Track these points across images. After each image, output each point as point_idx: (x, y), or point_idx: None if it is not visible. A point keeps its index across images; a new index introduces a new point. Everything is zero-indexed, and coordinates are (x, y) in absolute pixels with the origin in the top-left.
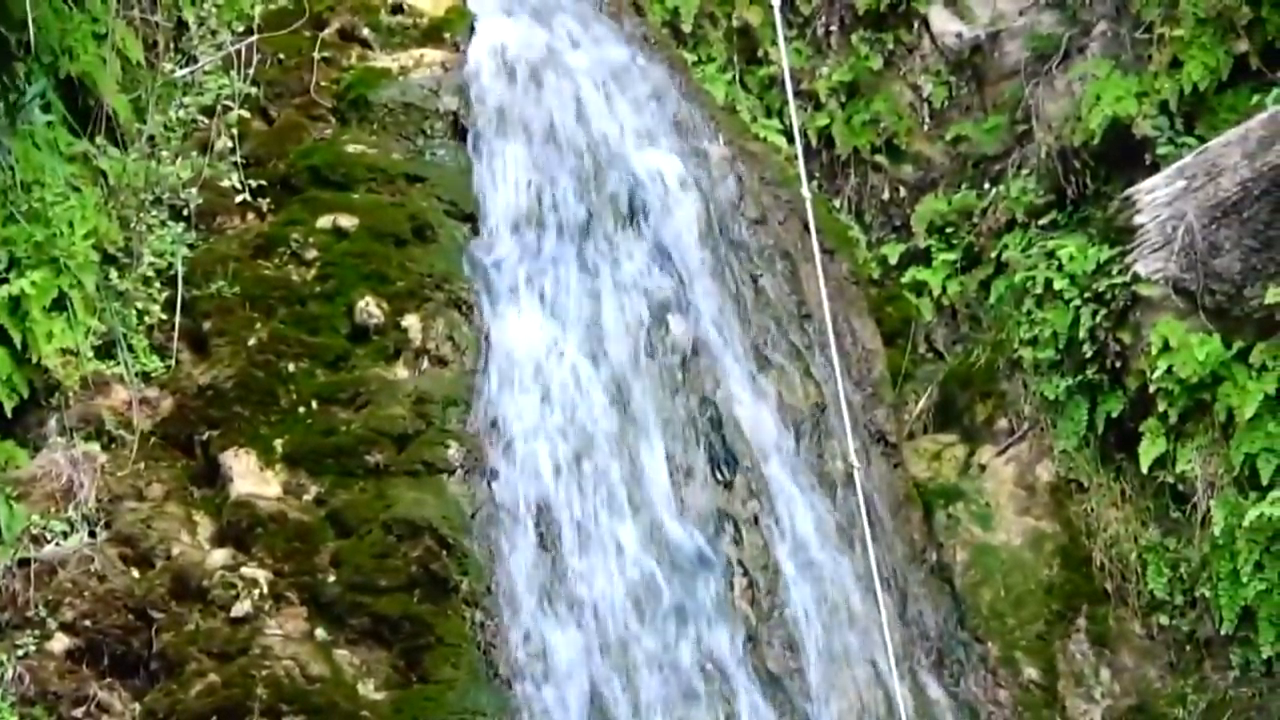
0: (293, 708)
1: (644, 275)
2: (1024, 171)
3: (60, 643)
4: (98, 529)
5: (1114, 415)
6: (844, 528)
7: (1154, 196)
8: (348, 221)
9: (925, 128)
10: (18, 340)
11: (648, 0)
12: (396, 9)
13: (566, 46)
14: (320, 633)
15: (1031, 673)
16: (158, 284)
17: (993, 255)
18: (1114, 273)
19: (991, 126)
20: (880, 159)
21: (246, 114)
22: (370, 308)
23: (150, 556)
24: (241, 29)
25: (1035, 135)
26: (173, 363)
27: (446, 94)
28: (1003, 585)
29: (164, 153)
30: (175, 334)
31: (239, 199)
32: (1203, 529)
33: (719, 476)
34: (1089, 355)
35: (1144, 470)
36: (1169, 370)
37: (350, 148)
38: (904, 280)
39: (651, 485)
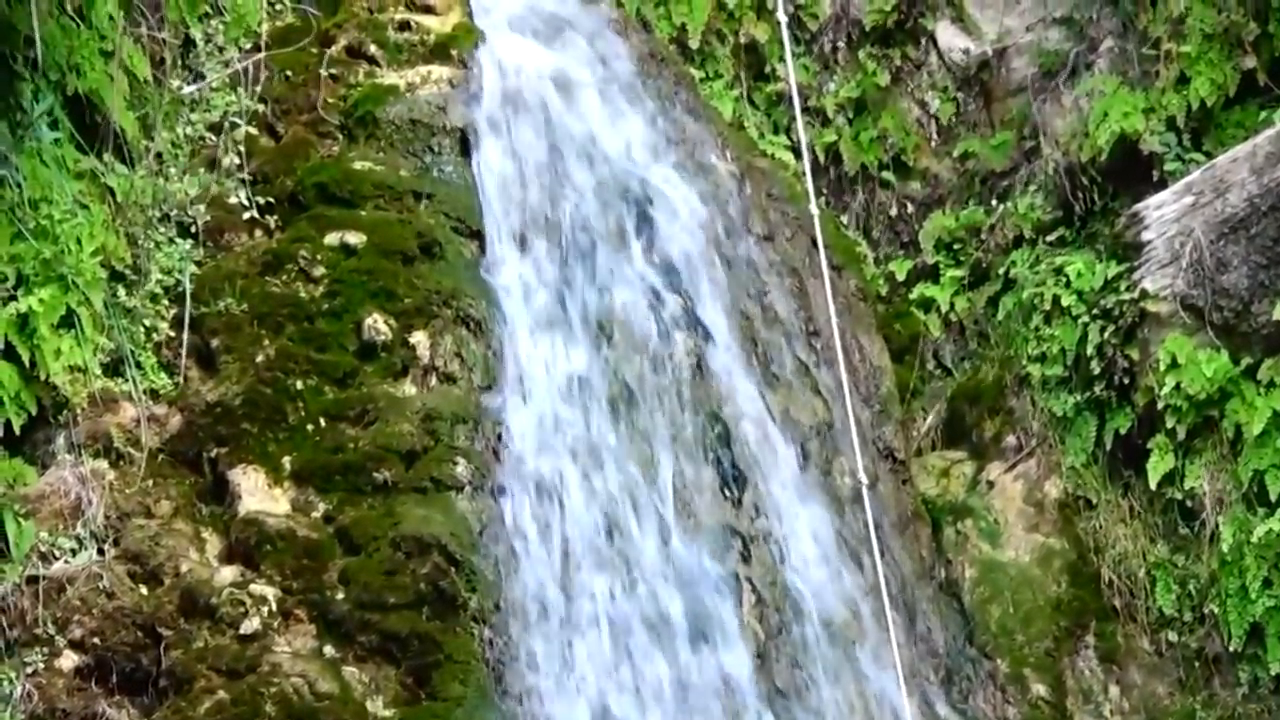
0: None
1: (651, 291)
2: (1031, 188)
3: (69, 660)
4: (106, 546)
5: (1122, 432)
6: (852, 544)
7: (1161, 213)
8: (355, 238)
9: (932, 144)
10: (26, 357)
11: (655, 17)
12: (404, 26)
13: (573, 62)
14: (329, 650)
15: (1040, 689)
16: (165, 301)
17: (1000, 272)
18: (1122, 289)
19: (999, 143)
20: (888, 175)
21: (254, 131)
22: (378, 325)
23: (159, 573)
24: (249, 46)
25: (1043, 151)
26: (181, 380)
27: (454, 110)
28: (1011, 602)
29: (171, 170)
30: (183, 351)
31: (246, 216)
32: (1211, 545)
33: (727, 493)
34: (1097, 372)
35: (1152, 487)
36: (1177, 387)
37: (358, 164)
38: (912, 297)
39: (660, 502)
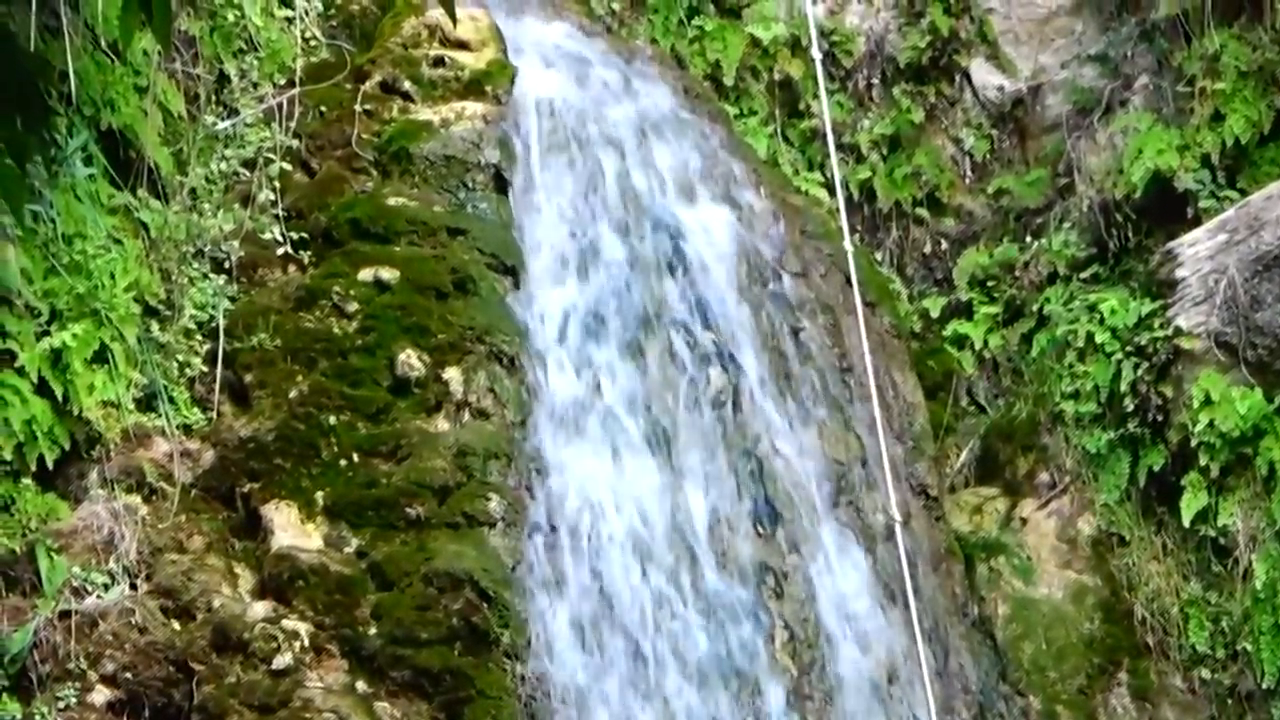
0: None
1: (685, 328)
2: (1065, 225)
3: (101, 695)
4: (139, 581)
5: (1155, 469)
6: (886, 581)
7: (1195, 250)
8: (389, 274)
9: (967, 181)
10: (59, 392)
11: (689, 53)
12: (438, 62)
13: (607, 99)
14: (361, 685)
15: None
16: (199, 336)
17: (1034, 308)
18: (1155, 326)
19: (1033, 180)
20: (922, 212)
21: (288, 166)
22: (411, 360)
23: (191, 609)
24: (283, 81)
25: (1077, 188)
26: (214, 415)
27: (488, 146)
28: (1044, 639)
29: (205, 205)
30: (216, 386)
31: (280, 251)
32: (1244, 583)
33: (760, 529)
34: (1130, 409)
35: (1185, 524)
36: (1210, 424)
37: (391, 200)
38: (945, 333)
39: (693, 537)
